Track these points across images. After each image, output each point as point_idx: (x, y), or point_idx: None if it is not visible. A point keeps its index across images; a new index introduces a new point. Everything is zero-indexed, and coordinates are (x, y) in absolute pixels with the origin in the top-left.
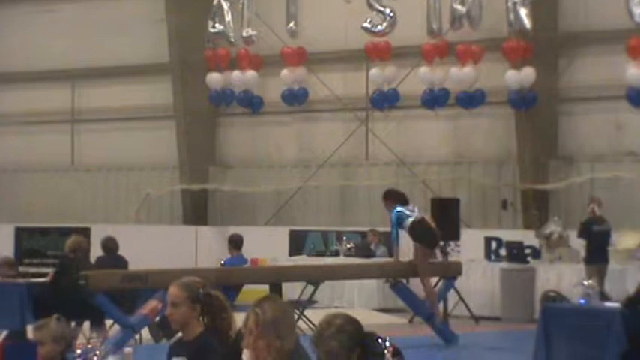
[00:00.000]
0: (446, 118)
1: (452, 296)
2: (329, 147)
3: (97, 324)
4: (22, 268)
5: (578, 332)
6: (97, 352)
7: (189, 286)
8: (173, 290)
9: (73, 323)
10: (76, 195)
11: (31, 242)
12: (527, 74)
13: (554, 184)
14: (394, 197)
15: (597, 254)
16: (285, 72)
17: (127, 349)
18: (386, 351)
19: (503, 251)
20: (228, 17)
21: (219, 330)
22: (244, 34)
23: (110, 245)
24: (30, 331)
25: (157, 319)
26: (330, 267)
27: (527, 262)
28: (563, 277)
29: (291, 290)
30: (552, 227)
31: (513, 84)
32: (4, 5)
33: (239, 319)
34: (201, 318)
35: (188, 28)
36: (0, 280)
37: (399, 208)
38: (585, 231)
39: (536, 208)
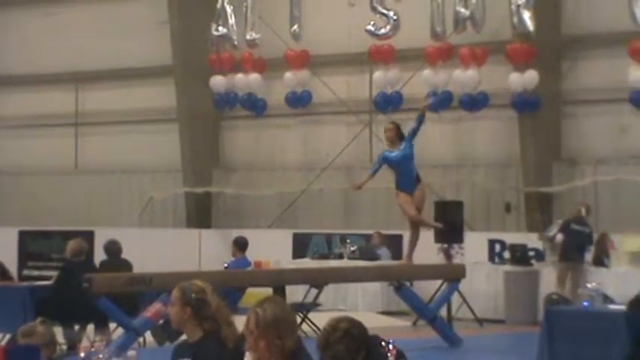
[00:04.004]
0: (449, 121)
1: (455, 299)
2: (333, 150)
3: (101, 327)
4: (25, 272)
5: (581, 335)
6: (101, 356)
7: (184, 288)
8: (174, 290)
9: (76, 326)
10: (80, 198)
11: (34, 245)
12: (530, 77)
13: (557, 187)
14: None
15: (571, 252)
16: (288, 75)
17: (131, 352)
18: (389, 354)
19: (506, 254)
20: (231, 20)
21: (218, 335)
22: (248, 37)
23: (113, 248)
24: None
25: (161, 322)
26: (334, 270)
27: (531, 264)
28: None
29: (295, 293)
30: (556, 230)
31: (516, 87)
32: (7, 8)
33: (242, 321)
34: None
35: (192, 31)
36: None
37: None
38: (564, 228)
39: (539, 210)
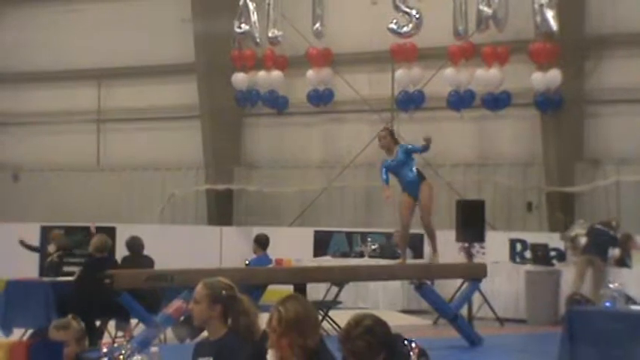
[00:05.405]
0: (471, 120)
1: (476, 298)
2: (354, 148)
3: (122, 323)
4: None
5: (603, 335)
6: (123, 351)
7: (213, 286)
8: (198, 287)
9: (97, 322)
10: (102, 194)
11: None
12: (553, 76)
13: (579, 187)
14: (394, 137)
15: (592, 247)
16: (310, 73)
17: (153, 349)
18: (412, 352)
19: (528, 253)
20: (254, 18)
21: (242, 332)
22: (270, 34)
23: (135, 244)
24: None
25: (182, 319)
26: (355, 268)
27: (553, 264)
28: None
29: (316, 291)
30: (578, 230)
31: (539, 86)
32: (30, 4)
33: (263, 318)
34: (228, 319)
35: (214, 29)
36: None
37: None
38: (590, 228)
39: (561, 210)
